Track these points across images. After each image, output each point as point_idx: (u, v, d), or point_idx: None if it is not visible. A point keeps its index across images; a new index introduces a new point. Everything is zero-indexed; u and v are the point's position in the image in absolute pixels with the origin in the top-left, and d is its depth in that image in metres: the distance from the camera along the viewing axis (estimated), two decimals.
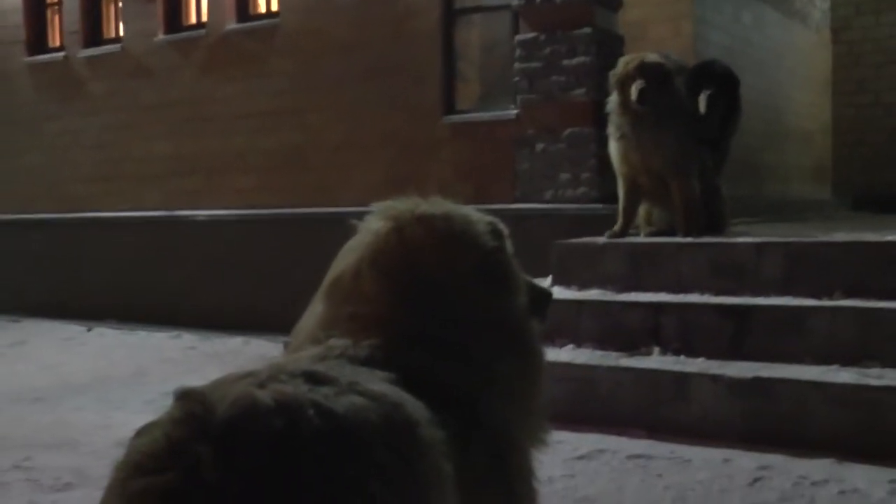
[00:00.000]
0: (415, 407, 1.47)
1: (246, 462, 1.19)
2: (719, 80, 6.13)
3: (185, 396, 1.27)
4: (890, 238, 5.18)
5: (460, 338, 1.85)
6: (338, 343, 1.66)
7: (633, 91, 5.79)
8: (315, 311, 1.88)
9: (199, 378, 1.28)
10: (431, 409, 1.53)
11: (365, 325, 1.72)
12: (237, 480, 1.17)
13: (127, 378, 6.72)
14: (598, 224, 6.35)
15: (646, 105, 5.78)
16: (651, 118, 5.84)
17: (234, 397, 1.26)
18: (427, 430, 1.44)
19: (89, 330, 9.51)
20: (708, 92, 6.07)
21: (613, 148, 6.09)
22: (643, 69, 5.80)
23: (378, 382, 1.48)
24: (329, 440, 1.25)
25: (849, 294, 4.96)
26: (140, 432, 1.27)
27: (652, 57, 5.95)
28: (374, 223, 1.91)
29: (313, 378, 1.36)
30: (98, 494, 1.24)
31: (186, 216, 9.81)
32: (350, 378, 1.42)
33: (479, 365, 1.83)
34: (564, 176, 7.44)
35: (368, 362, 1.59)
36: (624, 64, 5.98)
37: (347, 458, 1.25)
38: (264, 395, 1.26)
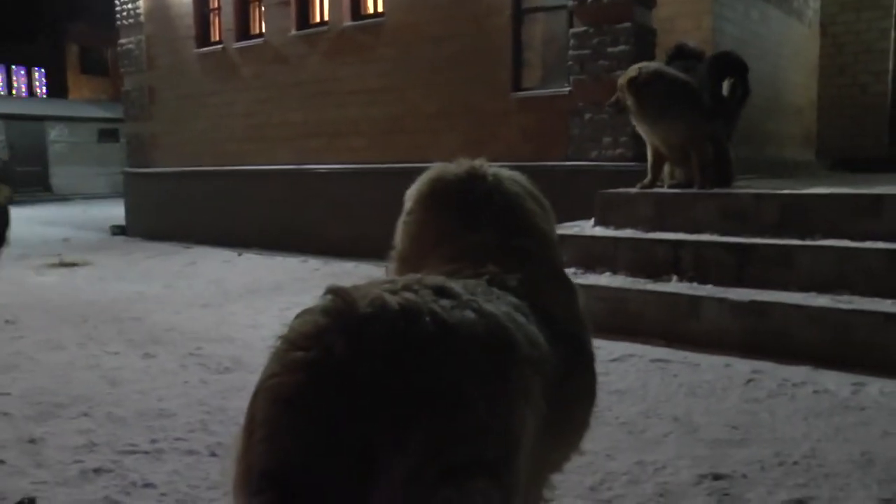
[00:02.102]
0: (520, 329, 1.43)
1: (369, 349, 1.20)
2: (736, 68, 6.00)
3: (334, 293, 1.29)
4: (860, 191, 5.07)
5: (556, 279, 1.86)
6: (477, 268, 1.62)
7: (629, 104, 5.77)
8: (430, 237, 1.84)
9: (320, 291, 1.31)
10: (545, 335, 1.51)
11: (487, 256, 1.69)
12: (361, 362, 1.19)
13: (268, 291, 6.88)
14: (632, 178, 6.29)
15: (644, 107, 5.73)
16: (657, 111, 5.75)
17: (371, 299, 1.27)
18: (525, 350, 1.41)
19: (240, 255, 9.69)
20: (731, 80, 5.97)
21: (639, 130, 6.03)
22: (631, 83, 5.74)
23: (496, 303, 1.45)
24: (437, 343, 1.24)
25: (827, 236, 4.89)
26: (299, 315, 1.30)
27: (633, 71, 5.82)
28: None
29: (440, 291, 1.35)
30: (249, 377, 1.27)
31: (312, 169, 9.93)
32: (471, 296, 1.39)
33: (569, 301, 1.84)
34: (607, 140, 7.37)
35: (499, 286, 1.56)
36: (621, 78, 5.92)
37: (449, 361, 1.24)
38: (393, 300, 1.27)
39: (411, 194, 1.96)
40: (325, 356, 1.20)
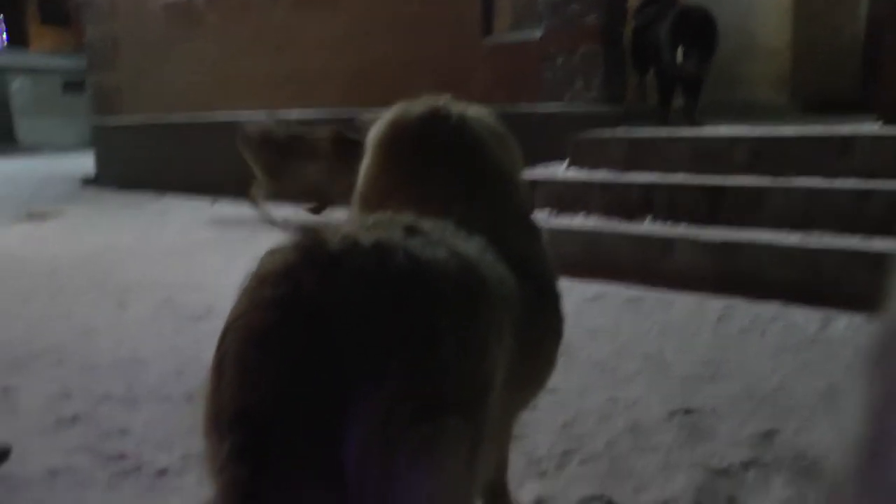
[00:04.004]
0: (490, 267, 1.44)
1: (340, 285, 1.19)
2: (696, 27, 5.89)
3: (304, 231, 1.28)
4: (832, 132, 5.10)
5: (521, 222, 1.88)
6: (441, 212, 1.59)
7: None
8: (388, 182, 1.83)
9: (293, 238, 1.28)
10: (513, 274, 1.53)
11: (450, 200, 1.69)
12: (333, 299, 1.18)
13: (240, 239, 6.80)
14: (605, 121, 6.29)
15: None
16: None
17: (342, 236, 1.26)
18: (496, 288, 1.42)
19: (213, 203, 9.62)
20: (683, 48, 5.93)
21: None
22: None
23: (466, 243, 1.45)
24: (410, 279, 1.24)
25: (798, 174, 4.92)
26: (268, 253, 1.28)
27: None
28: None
29: (411, 230, 1.35)
30: (222, 325, 1.26)
31: (283, 117, 9.79)
32: (443, 235, 1.40)
33: (533, 243, 1.86)
34: (579, 84, 7.31)
35: (465, 228, 1.54)
36: None
37: (422, 296, 1.24)
38: (365, 237, 1.26)
39: (371, 137, 1.94)
40: (296, 293, 1.18)
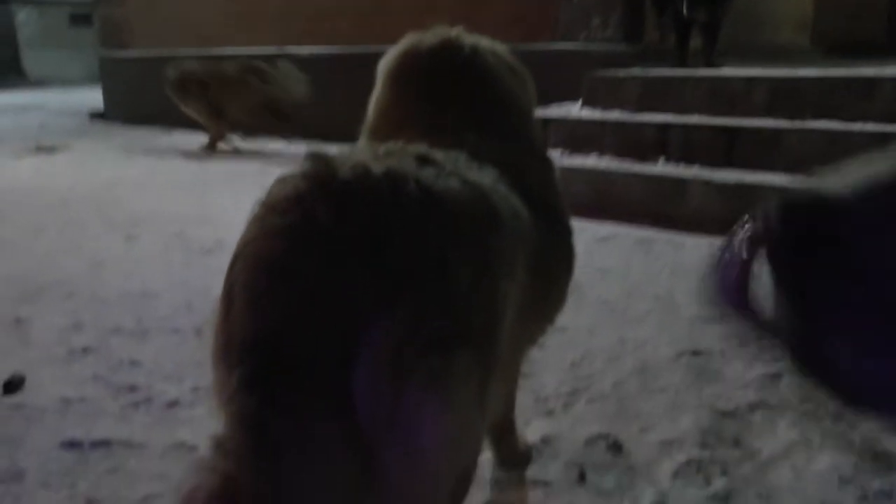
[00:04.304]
0: (503, 199, 1.42)
1: (352, 213, 1.17)
2: None
3: (315, 158, 1.24)
4: (853, 74, 4.99)
5: (534, 155, 1.85)
6: (454, 142, 1.56)
7: None
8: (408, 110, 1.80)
9: None
10: (526, 207, 1.51)
11: (462, 132, 1.66)
12: (344, 227, 1.15)
13: (251, 174, 6.74)
14: (621, 61, 6.18)
15: None
16: None
17: (353, 164, 1.23)
18: (510, 221, 1.40)
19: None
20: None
21: None
22: None
23: (479, 174, 1.42)
24: (421, 208, 1.21)
25: (816, 118, 4.84)
26: (278, 181, 1.25)
27: None
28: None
29: (424, 160, 1.32)
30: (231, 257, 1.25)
31: (294, 53, 9.65)
32: (456, 166, 1.37)
33: (546, 177, 1.84)
34: (596, 22, 7.17)
35: (478, 159, 1.51)
36: None
37: (435, 225, 1.21)
38: (377, 166, 1.23)
39: (382, 68, 1.90)
40: (307, 221, 1.16)
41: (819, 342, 0.62)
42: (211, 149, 8.64)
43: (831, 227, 0.64)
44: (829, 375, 0.61)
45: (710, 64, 6.01)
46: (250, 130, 8.84)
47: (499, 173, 1.50)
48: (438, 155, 1.38)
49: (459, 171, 1.36)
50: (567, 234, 1.82)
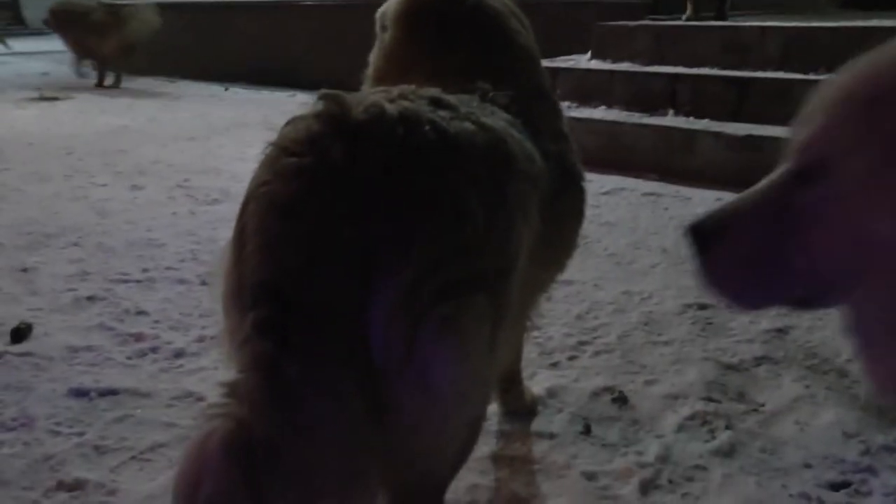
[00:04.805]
0: (517, 143, 1.41)
1: (368, 155, 1.15)
2: None
3: (328, 98, 1.22)
4: (869, 24, 4.90)
5: (542, 98, 1.83)
6: (465, 85, 1.54)
7: None
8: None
9: None
10: (538, 152, 1.50)
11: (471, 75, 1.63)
12: (359, 168, 1.14)
13: (255, 124, 6.70)
14: (632, 11, 6.07)
15: None
16: None
17: (368, 104, 1.21)
18: (523, 164, 1.39)
19: (226, 89, 9.48)
20: None
21: None
22: None
23: (493, 118, 1.40)
24: (437, 150, 1.20)
25: (831, 70, 4.75)
26: (289, 122, 1.23)
27: None
28: None
29: (438, 102, 1.30)
30: (237, 207, 1.22)
31: (297, 1, 9.53)
32: (469, 109, 1.35)
33: (556, 122, 1.81)
34: None
35: (490, 102, 1.51)
36: None
37: (449, 168, 1.20)
38: (391, 107, 1.21)
39: (387, 12, 1.86)
40: (321, 162, 1.14)
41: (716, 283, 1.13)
42: (99, 84, 9.78)
43: (709, 237, 1.12)
44: (721, 293, 1.13)
45: (721, 17, 5.89)
46: (117, 68, 9.79)
47: (511, 115, 1.49)
48: (452, 98, 1.36)
49: (474, 114, 1.34)
50: (578, 178, 1.81)
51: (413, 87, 1.37)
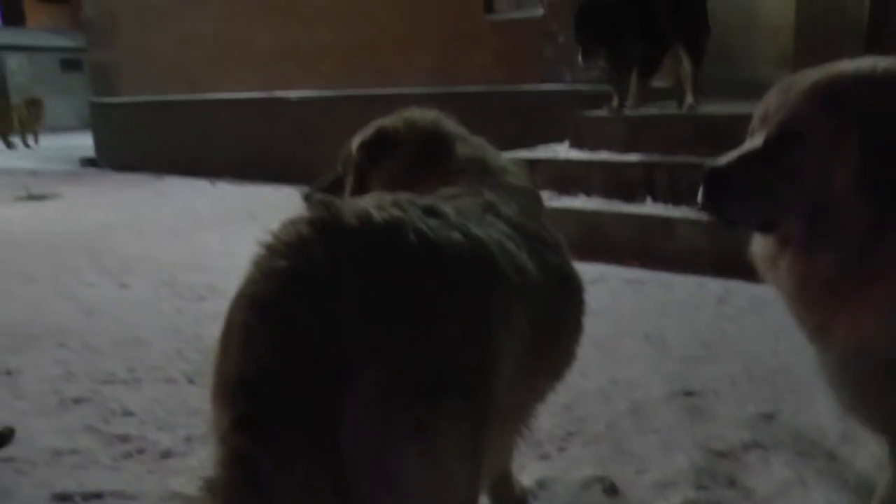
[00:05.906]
0: (508, 255, 1.46)
1: (349, 261, 1.21)
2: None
3: (320, 204, 1.28)
4: None
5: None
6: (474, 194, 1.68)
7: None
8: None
9: None
10: (536, 265, 1.56)
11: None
12: (340, 272, 1.20)
13: (241, 219, 6.80)
14: (607, 100, 6.24)
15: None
16: None
17: (357, 212, 1.27)
18: (510, 276, 1.42)
19: (213, 184, 9.60)
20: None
21: None
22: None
23: (486, 229, 1.46)
24: (418, 259, 1.25)
25: None
26: (284, 224, 1.29)
27: None
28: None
29: (430, 211, 1.36)
30: (224, 305, 1.27)
31: (283, 97, 9.75)
32: (462, 219, 1.40)
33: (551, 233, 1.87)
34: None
35: (493, 213, 1.60)
36: None
37: (428, 277, 1.25)
38: (379, 215, 1.27)
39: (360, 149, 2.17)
40: (305, 265, 1.20)
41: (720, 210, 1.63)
42: None
43: (721, 179, 1.60)
44: (723, 219, 1.63)
45: (695, 98, 5.97)
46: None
47: (512, 229, 1.57)
48: (447, 207, 1.42)
49: (465, 224, 1.39)
50: (577, 289, 1.84)
51: (411, 195, 1.43)
